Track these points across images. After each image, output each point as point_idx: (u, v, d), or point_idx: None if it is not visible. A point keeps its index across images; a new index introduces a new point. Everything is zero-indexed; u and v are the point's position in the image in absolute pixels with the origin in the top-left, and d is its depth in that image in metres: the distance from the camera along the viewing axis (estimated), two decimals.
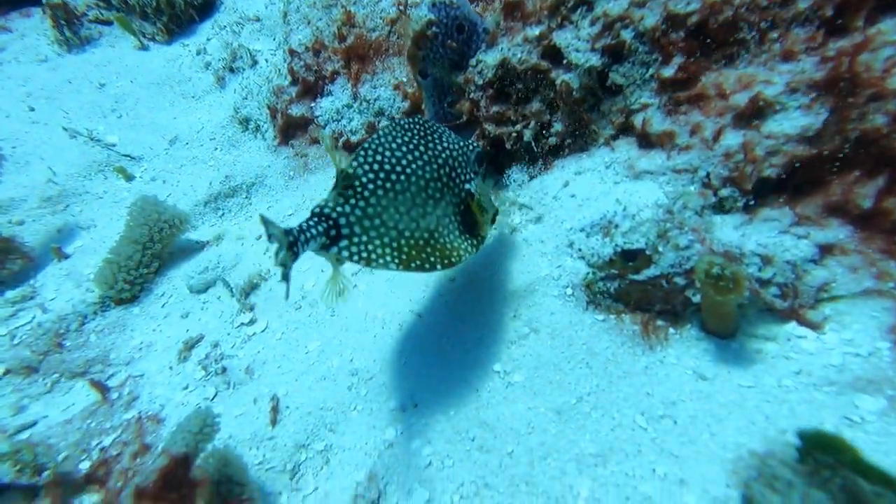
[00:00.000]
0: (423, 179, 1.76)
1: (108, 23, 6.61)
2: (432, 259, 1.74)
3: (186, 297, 3.19)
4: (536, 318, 2.08)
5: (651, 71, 2.07)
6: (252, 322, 2.80)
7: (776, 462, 1.43)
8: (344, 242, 1.60)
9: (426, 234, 1.75)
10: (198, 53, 5.91)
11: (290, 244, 1.45)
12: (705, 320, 1.85)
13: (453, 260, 1.79)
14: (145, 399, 2.42)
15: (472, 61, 2.61)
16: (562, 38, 2.29)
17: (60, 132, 4.88)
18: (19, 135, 4.79)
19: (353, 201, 1.62)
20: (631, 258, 1.90)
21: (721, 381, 1.69)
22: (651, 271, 1.86)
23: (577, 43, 2.21)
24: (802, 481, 1.37)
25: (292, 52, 4.28)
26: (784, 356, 1.68)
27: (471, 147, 2.03)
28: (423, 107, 3.90)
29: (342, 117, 4.17)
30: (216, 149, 4.74)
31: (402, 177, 1.71)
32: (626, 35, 2.06)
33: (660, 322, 1.93)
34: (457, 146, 1.95)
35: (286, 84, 4.38)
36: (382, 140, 1.75)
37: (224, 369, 2.49)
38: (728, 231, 1.84)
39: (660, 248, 1.84)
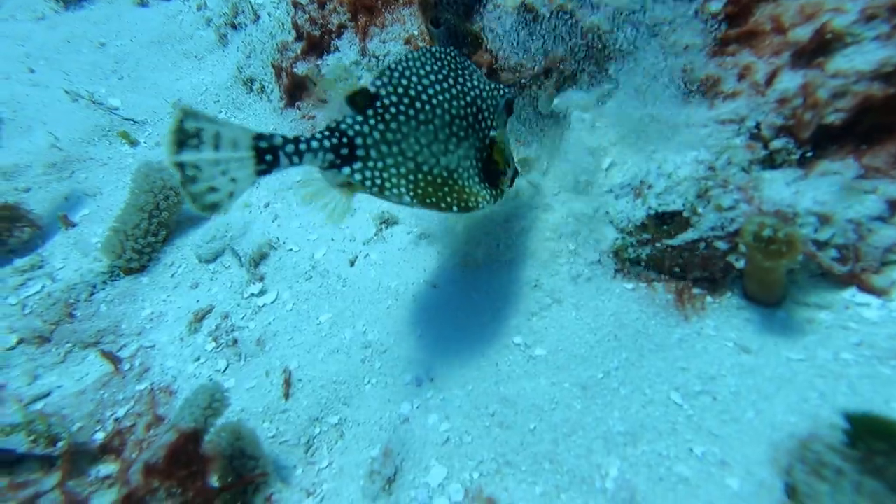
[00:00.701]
0: (449, 114, 1.61)
1: None
2: (448, 199, 1.59)
3: (196, 267, 3.11)
4: (560, 287, 1.93)
5: (695, 5, 1.81)
6: (262, 293, 2.72)
7: (822, 446, 1.30)
8: (357, 164, 1.44)
9: (445, 172, 1.60)
10: (198, 9, 5.62)
11: (261, 150, 1.31)
12: (748, 287, 1.68)
13: (471, 205, 1.64)
14: (157, 370, 2.38)
15: (489, 5, 2.35)
16: None
17: (62, 95, 4.74)
18: (20, 98, 4.65)
19: (372, 122, 1.46)
20: (666, 221, 1.72)
21: (767, 354, 1.54)
22: (688, 235, 1.68)
23: None
24: (853, 468, 1.24)
25: (296, 5, 4.00)
26: (842, 326, 1.51)
27: (501, 92, 1.85)
28: None
29: (350, 76, 3.93)
30: (221, 111, 4.56)
31: (428, 106, 1.55)
32: None
33: (696, 290, 1.77)
34: (487, 87, 1.78)
35: (290, 40, 4.12)
36: (411, 64, 1.59)
37: (235, 341, 2.42)
38: (779, 188, 1.64)
39: (699, 210, 1.65)
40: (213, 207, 1.32)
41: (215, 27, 5.19)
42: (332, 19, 3.96)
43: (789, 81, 1.61)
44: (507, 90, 1.88)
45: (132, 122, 4.56)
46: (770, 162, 1.70)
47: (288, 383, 2.16)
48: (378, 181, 1.47)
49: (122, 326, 2.76)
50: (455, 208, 1.61)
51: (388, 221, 2.84)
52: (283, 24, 4.30)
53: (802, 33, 1.57)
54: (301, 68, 4.08)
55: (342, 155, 1.42)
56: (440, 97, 1.59)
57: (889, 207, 1.52)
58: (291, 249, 2.97)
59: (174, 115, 1.28)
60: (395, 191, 1.50)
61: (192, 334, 2.59)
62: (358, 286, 2.54)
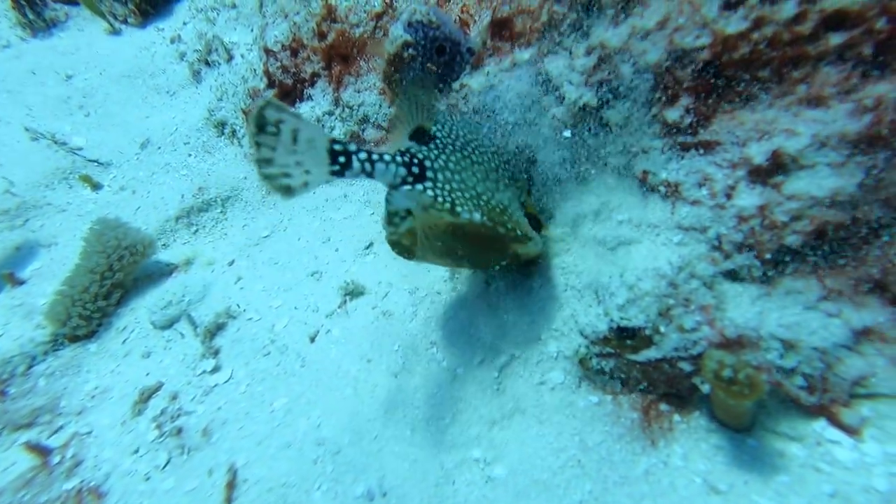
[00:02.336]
0: (493, 163, 1.83)
1: (76, 3, 6.15)
2: (509, 226, 1.70)
3: (150, 333, 2.95)
4: (524, 394, 1.84)
5: (655, 110, 1.77)
6: (216, 370, 2.57)
7: None
8: (428, 183, 1.53)
9: (501, 204, 1.73)
10: (172, 42, 5.52)
11: (335, 152, 1.35)
12: (716, 412, 1.61)
13: (530, 235, 1.80)
14: (90, 464, 2.20)
15: (456, 85, 2.30)
16: (553, 66, 1.97)
17: (21, 132, 4.55)
18: None
19: (436, 152, 1.60)
20: (629, 336, 1.64)
21: (737, 497, 1.45)
22: (652, 353, 1.61)
23: (571, 74, 1.90)
24: None
25: (268, 52, 3.92)
26: (814, 467, 1.44)
27: (520, 169, 2.11)
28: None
29: (323, 126, 3.85)
30: (190, 155, 4.42)
31: (476, 153, 1.76)
32: (626, 70, 1.75)
33: (663, 407, 1.69)
34: (512, 160, 2.06)
35: (262, 87, 4.03)
36: (457, 120, 1.84)
37: (179, 430, 2.26)
38: (743, 308, 1.58)
39: (661, 329, 1.58)
40: (287, 190, 1.32)
41: (189, 63, 5.08)
42: (305, 67, 3.89)
43: (747, 199, 1.56)
44: (523, 173, 2.11)
45: (96, 164, 4.39)
46: (734, 275, 1.65)
47: (231, 486, 2.01)
48: (449, 198, 1.54)
49: (62, 404, 2.58)
50: (518, 231, 1.73)
51: (353, 293, 2.73)
52: (255, 70, 4.22)
53: (758, 151, 1.54)
54: None
55: (413, 174, 1.50)
56: (482, 149, 1.82)
57: (853, 335, 1.47)
58: (251, 318, 2.84)
59: (257, 104, 1.28)
60: (466, 206, 1.57)
61: (135, 417, 2.42)
62: (317, 367, 2.42)
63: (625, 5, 1.72)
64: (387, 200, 1.58)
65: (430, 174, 1.53)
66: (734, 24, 1.53)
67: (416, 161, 1.51)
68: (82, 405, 2.55)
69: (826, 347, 1.47)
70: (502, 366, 1.95)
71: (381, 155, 1.44)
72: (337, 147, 1.36)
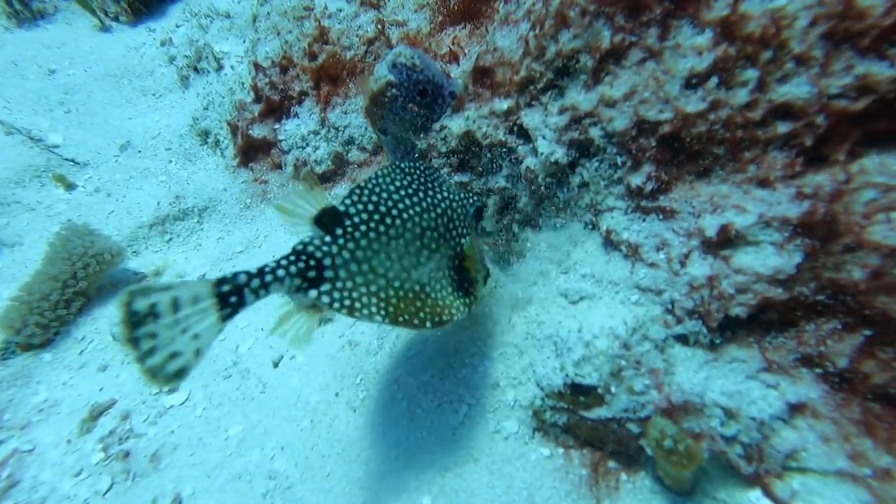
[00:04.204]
0: (420, 227, 1.63)
1: None
2: (422, 315, 1.57)
3: (109, 345, 2.88)
4: (478, 441, 1.86)
5: (620, 173, 1.85)
6: (173, 390, 2.52)
7: None
8: (325, 287, 1.42)
9: (417, 286, 1.60)
10: (162, 44, 5.48)
11: (224, 294, 1.25)
12: (659, 474, 1.66)
13: (444, 318, 1.63)
14: (26, 486, 2.13)
15: (436, 126, 2.35)
16: (530, 119, 2.05)
17: None
18: None
19: (341, 241, 1.46)
20: (583, 393, 1.69)
21: None
22: (602, 412, 1.65)
23: (545, 130, 1.97)
24: None
25: (257, 67, 3.94)
26: None
27: (471, 200, 1.89)
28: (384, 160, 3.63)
29: (307, 144, 3.87)
30: (171, 161, 4.38)
31: (398, 221, 1.58)
32: (595, 133, 1.83)
33: (612, 464, 1.73)
34: (457, 197, 1.83)
35: (249, 101, 4.04)
36: (380, 181, 1.64)
37: (127, 453, 2.21)
38: (691, 372, 1.65)
39: (612, 389, 1.63)
40: (180, 374, 1.22)
41: (177, 68, 5.06)
42: (293, 85, 3.92)
43: (699, 269, 1.64)
44: (475, 198, 1.93)
45: (72, 163, 4.30)
46: (684, 340, 1.71)
47: None
48: (347, 302, 1.44)
49: (6, 417, 2.49)
50: (428, 324, 1.58)
51: (321, 319, 2.72)
52: (243, 83, 4.22)
53: (710, 224, 1.62)
54: (257, 131, 4.00)
55: (309, 278, 1.40)
56: (410, 211, 1.61)
57: (789, 408, 1.54)
58: (204, 355, 2.79)
59: (120, 300, 1.19)
60: (365, 311, 1.47)
61: (82, 436, 2.35)
62: (277, 395, 2.39)
63: (596, 74, 1.80)
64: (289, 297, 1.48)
65: (328, 274, 1.42)
66: (693, 103, 1.62)
67: (312, 262, 1.40)
68: (27, 419, 2.46)
69: (763, 419, 1.53)
70: (460, 411, 1.97)
71: (274, 272, 1.35)
72: (225, 288, 1.28)
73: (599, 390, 1.64)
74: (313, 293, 1.40)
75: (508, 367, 2.00)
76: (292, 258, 1.40)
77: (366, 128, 3.79)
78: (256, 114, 3.98)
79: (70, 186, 4.13)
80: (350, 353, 2.46)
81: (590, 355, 1.69)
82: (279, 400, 2.36)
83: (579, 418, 1.73)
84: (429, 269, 1.64)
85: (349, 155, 3.87)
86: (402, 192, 1.64)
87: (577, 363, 1.70)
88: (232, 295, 1.29)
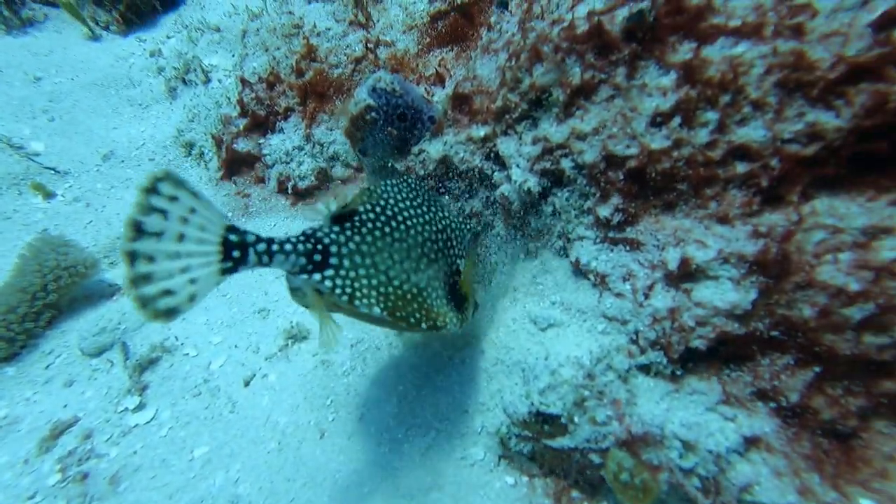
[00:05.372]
0: (422, 236, 1.71)
1: (56, 4, 6.07)
2: (417, 315, 1.62)
3: (77, 360, 2.82)
4: (442, 469, 1.85)
5: (589, 203, 1.90)
6: (139, 408, 2.48)
7: None
8: (329, 272, 1.44)
9: (415, 289, 1.64)
10: (151, 55, 5.50)
11: (231, 245, 1.22)
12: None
13: (438, 324, 1.68)
14: None
15: (415, 149, 2.39)
16: (505, 147, 2.10)
17: None
18: None
19: (348, 233, 1.52)
20: (547, 422, 1.70)
21: None
22: (566, 442, 1.67)
23: (519, 159, 2.02)
24: None
25: (244, 82, 3.97)
26: None
27: (469, 225, 1.97)
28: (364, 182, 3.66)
29: (292, 159, 3.89)
30: None
31: (402, 226, 1.66)
32: (566, 164, 1.88)
33: (574, 494, 1.74)
34: (456, 220, 1.92)
35: (235, 115, 4.06)
36: (389, 189, 1.75)
37: (85, 475, 2.15)
38: (652, 403, 1.67)
39: (575, 419, 1.65)
40: (169, 314, 1.16)
41: (165, 79, 5.07)
42: (279, 101, 3.95)
43: (661, 301, 1.68)
44: (473, 224, 1.99)
45: (52, 172, 4.26)
46: (647, 370, 1.74)
47: None
48: (349, 290, 1.47)
49: None
50: (423, 325, 1.63)
51: (296, 337, 2.71)
52: (229, 97, 4.25)
53: (673, 257, 1.66)
54: (242, 145, 4.01)
55: (314, 261, 1.42)
56: (414, 220, 1.70)
57: (744, 441, 1.57)
58: (188, 354, 2.76)
59: (151, 173, 1.14)
60: (365, 301, 1.49)
61: (40, 455, 2.29)
62: (246, 415, 2.36)
63: (567, 108, 1.86)
64: (287, 279, 1.52)
65: (333, 260, 1.45)
66: (658, 140, 1.67)
67: (319, 247, 1.44)
68: None
69: (720, 451, 1.55)
70: (428, 436, 1.96)
71: (282, 244, 1.36)
72: (233, 238, 1.25)
73: (563, 420, 1.66)
74: (317, 276, 1.42)
75: (477, 393, 2.01)
76: (301, 238, 1.43)
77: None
78: (242, 128, 4.00)
79: (49, 195, 4.08)
80: (322, 372, 2.45)
81: (555, 384, 1.70)
82: (248, 420, 2.33)
83: (543, 447, 1.74)
84: (427, 276, 1.70)
85: (333, 171, 3.90)
86: (409, 202, 1.74)
87: (542, 391, 1.71)
88: (236, 248, 1.26)
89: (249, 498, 1.99)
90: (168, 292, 1.15)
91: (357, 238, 1.52)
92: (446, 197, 2.46)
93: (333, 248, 1.46)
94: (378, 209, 1.62)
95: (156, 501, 2.04)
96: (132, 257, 1.12)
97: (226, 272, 1.24)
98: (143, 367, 2.66)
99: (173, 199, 1.16)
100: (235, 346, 2.76)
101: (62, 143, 4.57)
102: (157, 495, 2.06)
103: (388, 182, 1.77)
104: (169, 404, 2.47)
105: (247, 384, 2.53)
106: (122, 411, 2.46)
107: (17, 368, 2.76)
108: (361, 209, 1.59)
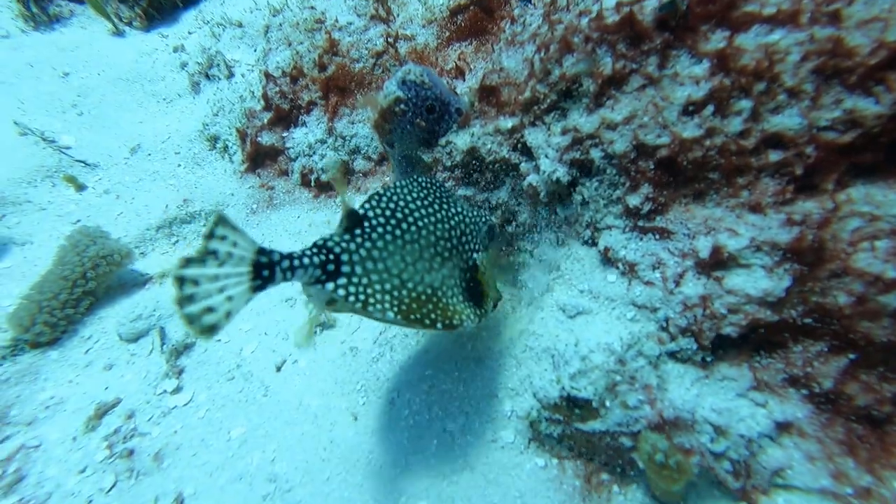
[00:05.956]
0: (434, 235, 1.72)
1: (82, 1, 6.20)
2: (433, 316, 1.64)
3: (115, 345, 2.94)
4: (473, 451, 1.91)
5: (618, 193, 1.92)
6: (177, 390, 2.58)
7: None
8: (342, 280, 1.48)
9: (429, 289, 1.66)
10: (174, 51, 5.60)
11: (261, 266, 1.31)
12: (651, 486, 1.70)
13: (455, 322, 1.69)
14: (32, 481, 2.17)
15: (442, 141, 2.42)
16: (533, 138, 2.12)
17: (10, 126, 4.53)
18: None
19: (359, 240, 1.55)
20: (578, 406, 1.74)
21: None
22: (597, 425, 1.71)
23: (547, 149, 2.04)
24: None
25: (268, 76, 4.04)
26: None
27: (484, 219, 1.97)
28: (391, 173, 3.70)
29: (314, 152, 3.96)
30: (179, 165, 4.46)
31: (413, 227, 1.67)
32: (595, 154, 1.90)
33: (604, 476, 1.78)
34: (470, 214, 1.92)
35: (259, 109, 4.13)
36: (397, 190, 1.75)
37: (131, 452, 2.26)
38: (683, 389, 1.70)
39: (607, 403, 1.68)
40: (211, 330, 1.26)
41: (189, 74, 5.16)
42: (302, 95, 4.01)
43: (692, 288, 1.70)
44: (489, 217, 2.00)
45: (83, 165, 4.39)
46: (677, 357, 1.77)
47: None
48: (362, 297, 1.50)
49: (13, 413, 2.54)
50: (439, 325, 1.64)
51: (323, 324, 2.78)
52: (253, 92, 4.32)
53: (704, 245, 1.68)
54: (266, 138, 4.08)
55: (328, 271, 1.46)
56: (425, 220, 1.71)
57: (776, 427, 1.60)
58: (220, 340, 2.85)
59: (210, 221, 1.27)
60: (378, 306, 1.52)
61: (87, 433, 2.40)
62: (279, 398, 2.44)
63: (597, 98, 1.88)
64: (303, 289, 1.56)
65: (345, 269, 1.48)
66: (690, 129, 1.69)
67: (331, 257, 1.48)
68: (34, 415, 2.52)
69: (752, 436, 1.58)
70: (458, 419, 2.02)
71: (300, 258, 1.42)
72: (263, 259, 1.34)
73: (594, 404, 1.69)
74: (330, 286, 1.47)
75: (507, 379, 2.05)
76: (315, 250, 1.47)
77: (371, 138, 3.87)
78: (266, 122, 4.07)
79: (80, 187, 4.21)
80: (351, 359, 2.51)
81: (586, 369, 1.74)
82: (281, 404, 2.41)
83: (574, 430, 1.78)
84: (441, 275, 1.71)
85: (355, 164, 3.95)
86: (419, 203, 1.74)
87: (573, 376, 1.75)
88: (265, 268, 1.35)
89: (287, 476, 2.07)
90: (209, 309, 1.25)
91: (368, 244, 1.55)
92: (471, 189, 2.49)
93: (345, 257, 1.50)
94: (388, 213, 1.64)
95: (197, 478, 2.13)
96: (181, 282, 1.24)
97: (256, 289, 1.34)
98: (179, 353, 2.76)
99: (223, 238, 1.29)
100: (265, 334, 2.85)
101: (91, 137, 4.70)
102: (199, 472, 2.16)
103: (397, 184, 1.78)
104: (205, 387, 2.57)
105: (279, 369, 2.61)
106: (160, 393, 2.56)
107: (60, 352, 2.88)
108: (371, 214, 1.61)
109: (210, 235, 1.28)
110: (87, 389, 2.67)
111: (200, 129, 4.55)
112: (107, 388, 2.66)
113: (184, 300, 1.22)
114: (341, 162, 3.85)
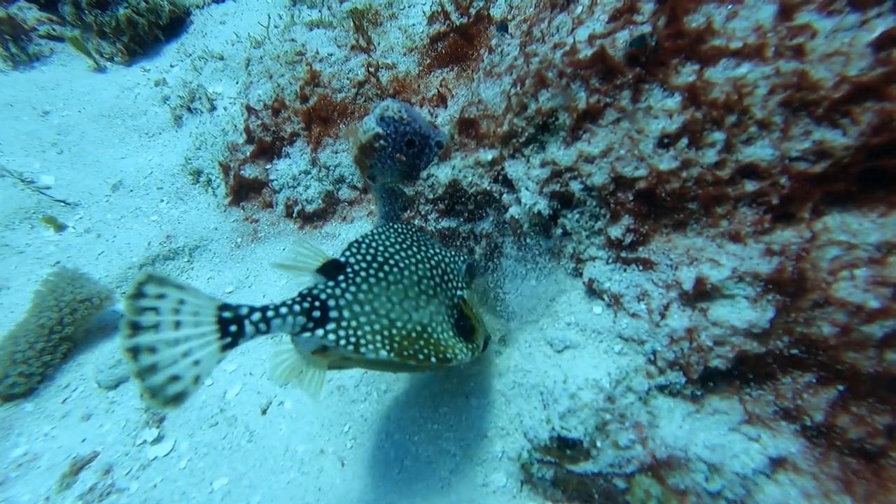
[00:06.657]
0: (416, 275, 1.73)
1: (62, 39, 6.20)
2: (426, 351, 1.62)
3: (93, 393, 2.84)
4: (465, 496, 1.85)
5: (600, 224, 1.91)
6: (158, 440, 2.48)
7: None
8: (331, 325, 1.47)
9: (419, 326, 1.66)
10: (156, 84, 5.60)
11: (226, 321, 1.26)
12: None
13: (448, 356, 1.67)
14: None
15: (424, 174, 2.42)
16: (513, 170, 2.12)
17: None
18: None
19: (343, 285, 1.55)
20: (569, 446, 1.69)
21: None
22: (589, 467, 1.66)
23: (528, 182, 2.04)
24: None
25: (250, 110, 4.04)
26: None
27: (462, 258, 1.99)
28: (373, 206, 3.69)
29: (298, 184, 3.93)
30: (162, 200, 4.41)
31: (395, 269, 1.69)
32: (575, 187, 1.90)
33: None
34: (448, 254, 1.94)
35: (241, 142, 4.12)
36: (375, 237, 1.79)
37: None
38: (674, 426, 1.66)
39: (598, 444, 1.64)
40: (178, 398, 1.20)
41: (171, 108, 5.15)
42: (285, 127, 4.01)
43: (678, 321, 1.68)
44: (466, 256, 2.01)
45: (63, 204, 4.32)
46: (666, 391, 1.74)
47: None
48: (353, 339, 1.48)
49: None
50: (433, 359, 1.62)
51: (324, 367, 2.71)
52: (235, 125, 4.31)
53: (687, 276, 1.67)
54: (249, 171, 4.06)
55: (314, 318, 1.45)
56: (406, 261, 1.73)
57: (770, 462, 1.56)
58: (203, 383, 2.76)
59: (136, 280, 1.21)
60: (370, 346, 1.50)
61: (61, 492, 2.29)
62: (264, 444, 2.36)
63: (574, 131, 1.89)
64: (293, 342, 1.53)
65: (333, 314, 1.48)
66: (666, 161, 1.69)
67: (317, 304, 1.47)
68: (5, 475, 2.40)
69: (746, 473, 1.54)
70: (449, 462, 1.96)
71: (276, 309, 1.39)
72: (227, 314, 1.29)
73: (585, 444, 1.65)
74: (320, 332, 1.45)
75: (496, 417, 2.01)
76: (297, 299, 1.46)
77: (355, 167, 3.87)
78: (248, 154, 4.05)
79: (60, 228, 4.13)
80: (338, 398, 2.45)
81: (575, 408, 1.70)
82: (266, 450, 2.33)
83: (566, 472, 1.73)
84: (429, 311, 1.71)
85: (340, 193, 3.94)
86: (397, 246, 1.78)
87: (562, 416, 1.71)
88: (232, 323, 1.30)
89: None
90: (174, 378, 1.20)
91: (353, 288, 1.56)
92: (454, 220, 2.48)
93: (331, 302, 1.49)
94: (369, 257, 1.66)
95: None
96: (135, 352, 1.17)
97: (226, 348, 1.29)
98: None
99: (160, 296, 1.22)
100: (250, 374, 2.77)
101: (71, 175, 4.64)
102: None
103: (373, 231, 1.83)
104: (187, 435, 2.48)
105: (263, 412, 2.53)
106: (140, 444, 2.46)
107: (35, 403, 2.78)
108: (353, 260, 1.63)
109: (136, 294, 1.21)
110: (63, 443, 2.56)
111: (183, 164, 4.52)
112: (84, 440, 2.56)
113: (144, 372, 1.16)
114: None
